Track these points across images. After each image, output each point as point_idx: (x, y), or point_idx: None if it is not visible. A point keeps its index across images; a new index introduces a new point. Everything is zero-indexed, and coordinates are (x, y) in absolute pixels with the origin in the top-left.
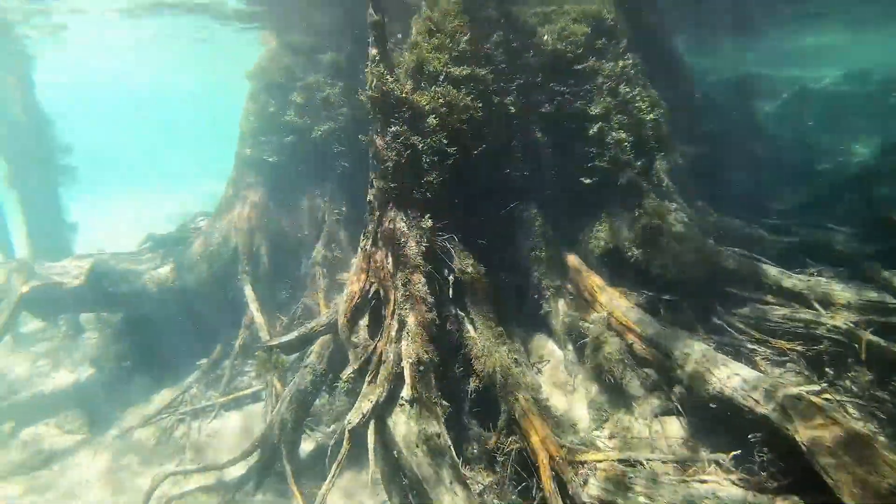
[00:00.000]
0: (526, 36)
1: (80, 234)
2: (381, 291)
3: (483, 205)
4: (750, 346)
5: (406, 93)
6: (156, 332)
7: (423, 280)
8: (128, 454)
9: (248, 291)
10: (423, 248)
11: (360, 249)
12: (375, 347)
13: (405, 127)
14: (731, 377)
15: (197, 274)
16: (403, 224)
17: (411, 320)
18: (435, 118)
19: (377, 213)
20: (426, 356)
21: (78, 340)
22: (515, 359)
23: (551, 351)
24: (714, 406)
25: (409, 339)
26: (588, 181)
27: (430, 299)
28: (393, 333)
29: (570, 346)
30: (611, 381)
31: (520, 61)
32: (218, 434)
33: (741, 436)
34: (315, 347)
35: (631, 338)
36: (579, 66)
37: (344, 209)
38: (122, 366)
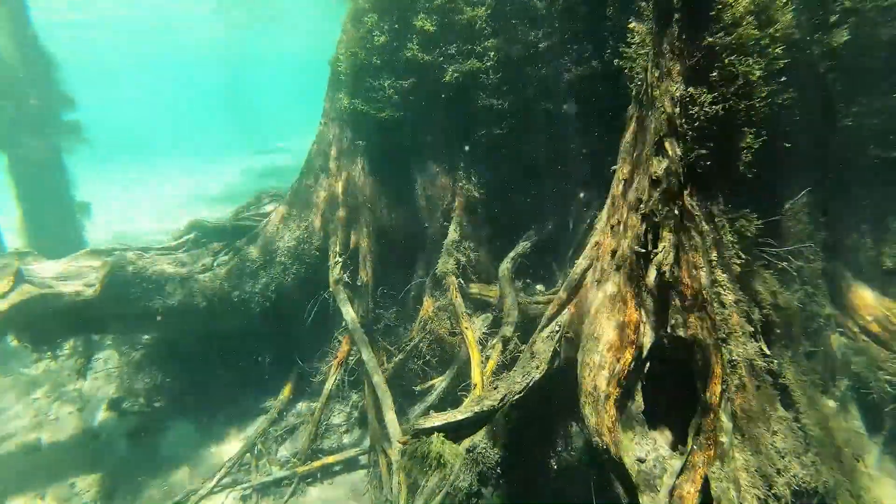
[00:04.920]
0: None
1: (93, 217)
2: (695, 351)
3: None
4: None
5: None
6: (203, 358)
7: (746, 328)
8: None
9: (348, 313)
10: (737, 270)
11: (620, 273)
12: (683, 469)
13: (729, 40)
14: None
15: (265, 282)
16: (713, 226)
17: (739, 409)
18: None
19: (672, 205)
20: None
21: (90, 365)
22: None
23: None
24: None
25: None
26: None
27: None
28: (725, 442)
29: (853, 410)
30: None
31: None
32: None
33: None
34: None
35: None
36: None
37: (485, 193)
38: (153, 407)
